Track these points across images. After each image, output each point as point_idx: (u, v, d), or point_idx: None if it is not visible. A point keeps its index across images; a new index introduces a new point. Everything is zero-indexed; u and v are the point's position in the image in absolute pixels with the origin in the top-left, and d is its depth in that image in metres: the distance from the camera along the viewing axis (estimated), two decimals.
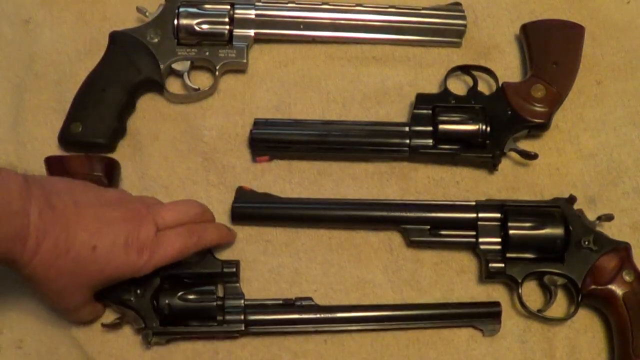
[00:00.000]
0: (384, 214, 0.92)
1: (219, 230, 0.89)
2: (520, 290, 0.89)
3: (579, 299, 0.88)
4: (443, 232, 0.92)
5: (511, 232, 0.89)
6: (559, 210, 0.90)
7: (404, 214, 0.92)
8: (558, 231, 0.88)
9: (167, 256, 0.81)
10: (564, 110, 1.00)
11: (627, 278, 0.87)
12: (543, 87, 0.96)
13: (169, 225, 0.82)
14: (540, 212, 0.90)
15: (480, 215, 0.91)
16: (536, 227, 0.89)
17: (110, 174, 0.91)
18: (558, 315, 0.90)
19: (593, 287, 0.87)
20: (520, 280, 0.89)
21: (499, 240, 0.90)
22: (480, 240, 0.91)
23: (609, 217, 0.91)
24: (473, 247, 0.92)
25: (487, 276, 0.90)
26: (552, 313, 0.90)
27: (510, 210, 0.90)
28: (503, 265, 0.89)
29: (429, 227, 0.92)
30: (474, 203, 0.92)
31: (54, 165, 0.90)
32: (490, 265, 0.89)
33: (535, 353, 0.90)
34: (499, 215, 0.91)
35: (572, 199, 0.91)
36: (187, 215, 0.85)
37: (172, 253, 0.81)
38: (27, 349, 0.89)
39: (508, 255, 0.89)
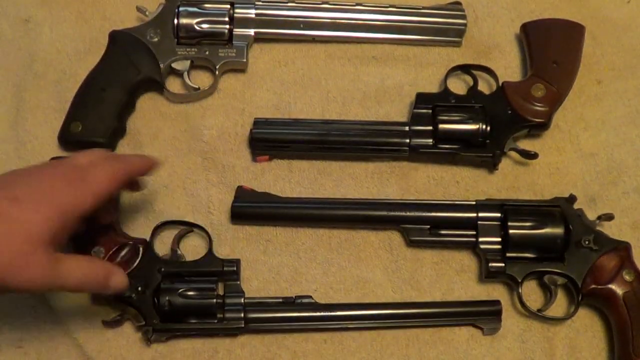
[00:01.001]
0: (384, 213, 0.92)
1: (139, 157, 0.87)
2: (520, 290, 0.89)
3: (579, 298, 0.88)
4: (443, 232, 0.92)
5: (511, 231, 0.89)
6: (559, 209, 0.90)
7: (404, 213, 0.92)
8: (558, 230, 0.88)
9: (101, 181, 0.77)
10: (564, 110, 1.00)
11: (627, 277, 0.87)
12: (543, 87, 0.96)
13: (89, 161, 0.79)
14: (540, 211, 0.90)
15: (480, 214, 0.91)
16: (536, 226, 0.89)
17: None
18: (558, 315, 0.90)
19: (593, 286, 0.87)
20: (520, 280, 0.89)
21: (499, 239, 0.90)
22: (480, 239, 0.90)
23: (609, 217, 0.91)
24: (473, 247, 0.92)
25: (487, 275, 0.90)
26: (552, 313, 0.90)
27: (510, 210, 0.90)
28: (503, 264, 0.89)
29: (428, 226, 0.92)
30: (474, 202, 0.92)
31: None
32: (490, 264, 0.89)
33: (535, 353, 0.90)
34: (499, 214, 0.91)
35: (572, 199, 0.91)
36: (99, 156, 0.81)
37: (104, 177, 0.77)
38: (27, 349, 0.89)
39: (508, 254, 0.89)
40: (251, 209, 0.93)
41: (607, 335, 0.91)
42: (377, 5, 1.03)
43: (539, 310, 0.90)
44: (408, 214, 0.92)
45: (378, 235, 0.95)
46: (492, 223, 0.91)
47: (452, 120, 0.94)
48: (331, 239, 0.94)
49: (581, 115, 1.01)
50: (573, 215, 0.90)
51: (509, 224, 0.89)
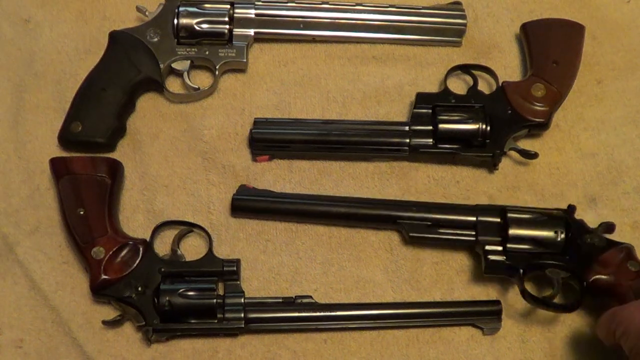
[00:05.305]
0: (383, 212, 0.92)
1: None
2: (521, 281, 0.87)
3: (583, 289, 0.86)
4: (442, 231, 0.91)
5: (511, 231, 0.88)
6: (559, 211, 0.89)
7: (403, 213, 0.91)
8: (558, 235, 0.87)
9: None
10: (564, 110, 1.00)
11: (632, 269, 0.86)
12: (543, 86, 0.96)
13: None
14: (541, 217, 0.89)
15: (480, 218, 0.90)
16: (536, 228, 0.88)
17: (114, 175, 0.91)
18: (561, 307, 0.88)
19: (597, 277, 0.86)
20: (522, 270, 0.86)
21: (499, 240, 0.89)
22: (480, 239, 0.90)
23: (609, 227, 0.89)
24: (473, 245, 0.91)
25: (486, 271, 0.88)
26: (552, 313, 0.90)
27: (511, 219, 0.89)
28: (503, 257, 0.88)
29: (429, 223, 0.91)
30: (474, 205, 0.92)
31: (58, 166, 0.91)
32: (489, 257, 0.88)
33: (535, 353, 0.90)
34: (498, 220, 0.89)
35: (571, 209, 0.90)
36: None
37: None
38: (27, 349, 0.89)
39: (508, 246, 0.88)
40: (251, 202, 0.93)
41: None
42: (377, 5, 1.03)
43: (543, 298, 0.87)
44: (408, 214, 0.91)
45: (378, 235, 0.95)
46: (492, 225, 0.90)
47: (452, 120, 0.94)
48: (331, 238, 0.94)
49: (581, 115, 1.01)
50: (573, 224, 0.88)
51: (510, 231, 0.88)
